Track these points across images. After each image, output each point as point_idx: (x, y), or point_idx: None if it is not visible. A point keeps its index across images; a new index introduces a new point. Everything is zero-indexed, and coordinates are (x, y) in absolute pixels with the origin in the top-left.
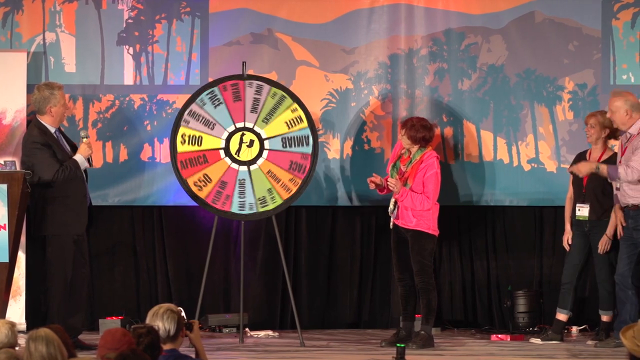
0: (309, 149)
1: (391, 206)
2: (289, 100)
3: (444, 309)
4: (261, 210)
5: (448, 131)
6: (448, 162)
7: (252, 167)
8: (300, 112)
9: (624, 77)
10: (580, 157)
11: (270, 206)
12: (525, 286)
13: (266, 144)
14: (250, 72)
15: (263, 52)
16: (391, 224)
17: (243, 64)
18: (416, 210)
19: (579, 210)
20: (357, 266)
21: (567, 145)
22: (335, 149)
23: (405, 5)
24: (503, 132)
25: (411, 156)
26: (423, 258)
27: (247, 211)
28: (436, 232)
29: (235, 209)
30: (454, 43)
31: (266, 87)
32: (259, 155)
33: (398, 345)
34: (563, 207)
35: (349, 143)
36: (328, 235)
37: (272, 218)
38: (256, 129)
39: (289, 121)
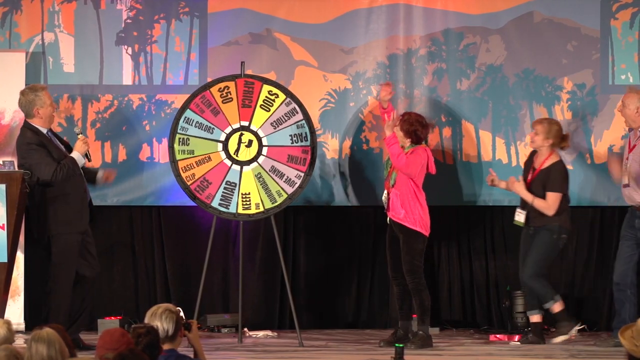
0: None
1: (383, 197)
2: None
3: (442, 309)
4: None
5: (447, 131)
6: (447, 162)
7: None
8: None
9: (623, 77)
10: (532, 155)
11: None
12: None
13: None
14: (249, 72)
15: (262, 52)
16: (388, 219)
17: (242, 64)
18: (404, 196)
19: (517, 215)
20: (355, 266)
21: None
22: (334, 148)
23: (404, 5)
24: (502, 132)
25: (404, 150)
26: (413, 258)
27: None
28: (426, 232)
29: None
30: (453, 43)
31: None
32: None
33: (397, 345)
34: None
35: (348, 143)
36: (326, 235)
37: (271, 218)
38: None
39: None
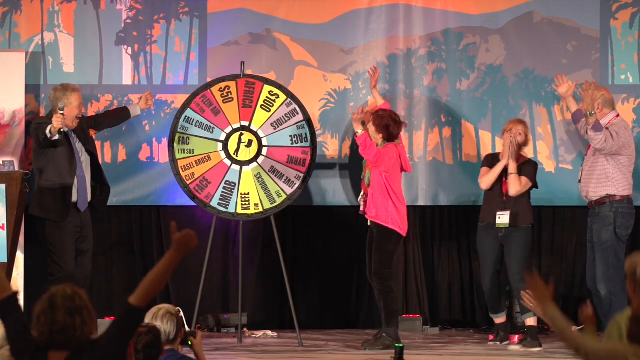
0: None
1: (360, 198)
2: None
3: (442, 309)
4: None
5: (446, 131)
6: (446, 162)
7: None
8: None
9: (622, 77)
10: (494, 158)
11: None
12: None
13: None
14: (249, 72)
15: (261, 52)
16: (369, 220)
17: (242, 64)
18: (376, 197)
19: (499, 218)
20: (355, 266)
21: (565, 146)
22: (334, 148)
23: (404, 5)
24: (501, 132)
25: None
26: (381, 258)
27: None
28: (402, 231)
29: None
30: (453, 43)
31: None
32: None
33: (397, 345)
34: (561, 207)
35: (347, 143)
36: (326, 235)
37: (271, 218)
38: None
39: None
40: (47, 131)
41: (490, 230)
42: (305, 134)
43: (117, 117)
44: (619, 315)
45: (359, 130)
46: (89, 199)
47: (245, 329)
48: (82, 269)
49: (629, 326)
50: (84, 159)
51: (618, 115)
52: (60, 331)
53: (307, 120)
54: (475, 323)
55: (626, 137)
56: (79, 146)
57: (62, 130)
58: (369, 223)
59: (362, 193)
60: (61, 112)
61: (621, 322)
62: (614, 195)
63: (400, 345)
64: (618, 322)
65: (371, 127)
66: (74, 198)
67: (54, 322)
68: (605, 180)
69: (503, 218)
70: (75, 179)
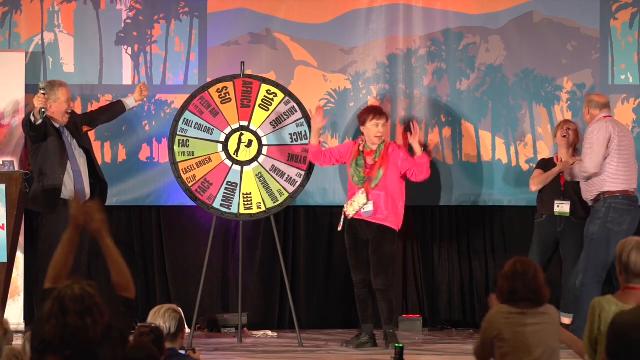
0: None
1: (360, 201)
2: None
3: (442, 309)
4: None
5: (446, 131)
6: (446, 162)
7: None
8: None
9: (622, 77)
10: (549, 162)
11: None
12: None
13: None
14: (248, 72)
15: (261, 52)
16: (339, 227)
17: (242, 64)
18: (394, 201)
19: (557, 206)
20: None
21: None
22: None
23: (404, 5)
24: (501, 132)
25: (376, 148)
26: (385, 259)
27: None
28: (398, 228)
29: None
30: (453, 43)
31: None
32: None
33: (397, 345)
34: None
35: None
36: (326, 235)
37: (271, 218)
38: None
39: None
40: (31, 116)
41: (548, 223)
42: (305, 131)
43: (111, 111)
44: (600, 298)
45: (421, 149)
46: (88, 194)
47: (245, 329)
48: (80, 265)
49: (498, 283)
50: (78, 154)
51: (606, 117)
52: (73, 334)
53: (306, 117)
54: (475, 323)
55: (600, 139)
56: (73, 142)
57: (43, 110)
58: (346, 226)
59: (362, 196)
60: (42, 92)
61: (603, 303)
62: (608, 192)
63: (400, 345)
64: (599, 303)
65: (383, 127)
66: (71, 193)
67: (65, 325)
68: (597, 181)
69: (562, 207)
70: (71, 173)
